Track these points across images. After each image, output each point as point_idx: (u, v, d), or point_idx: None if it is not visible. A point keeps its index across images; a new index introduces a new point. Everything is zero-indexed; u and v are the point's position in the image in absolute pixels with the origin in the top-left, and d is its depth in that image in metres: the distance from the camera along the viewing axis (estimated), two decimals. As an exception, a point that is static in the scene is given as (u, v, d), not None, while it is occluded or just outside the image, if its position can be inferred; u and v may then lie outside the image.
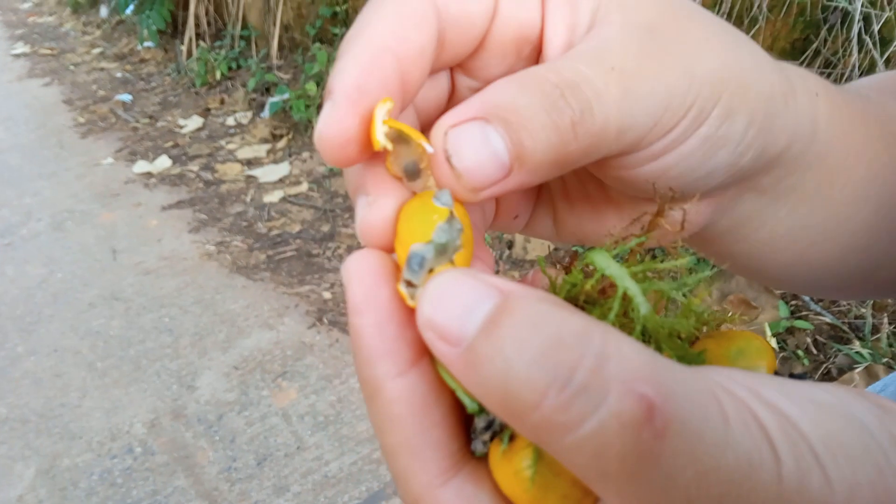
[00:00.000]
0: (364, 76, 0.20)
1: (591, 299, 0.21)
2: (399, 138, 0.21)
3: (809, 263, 0.33)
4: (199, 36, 4.24)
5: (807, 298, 1.84)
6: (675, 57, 0.23)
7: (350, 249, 2.62)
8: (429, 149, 0.20)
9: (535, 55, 0.24)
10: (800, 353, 1.75)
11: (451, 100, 0.25)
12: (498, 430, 0.20)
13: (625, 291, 0.20)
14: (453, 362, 0.18)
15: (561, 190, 0.29)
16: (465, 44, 0.23)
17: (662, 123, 0.22)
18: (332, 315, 2.28)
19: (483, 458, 0.20)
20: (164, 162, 3.37)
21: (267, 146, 3.40)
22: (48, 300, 2.44)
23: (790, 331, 1.81)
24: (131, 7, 4.44)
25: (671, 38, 0.23)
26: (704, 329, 0.22)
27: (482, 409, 0.20)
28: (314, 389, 2.00)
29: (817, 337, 1.79)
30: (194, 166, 3.33)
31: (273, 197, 3.01)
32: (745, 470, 0.15)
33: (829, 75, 1.89)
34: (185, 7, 4.25)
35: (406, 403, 0.19)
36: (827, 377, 1.68)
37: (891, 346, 1.69)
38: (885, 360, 1.65)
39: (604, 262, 0.20)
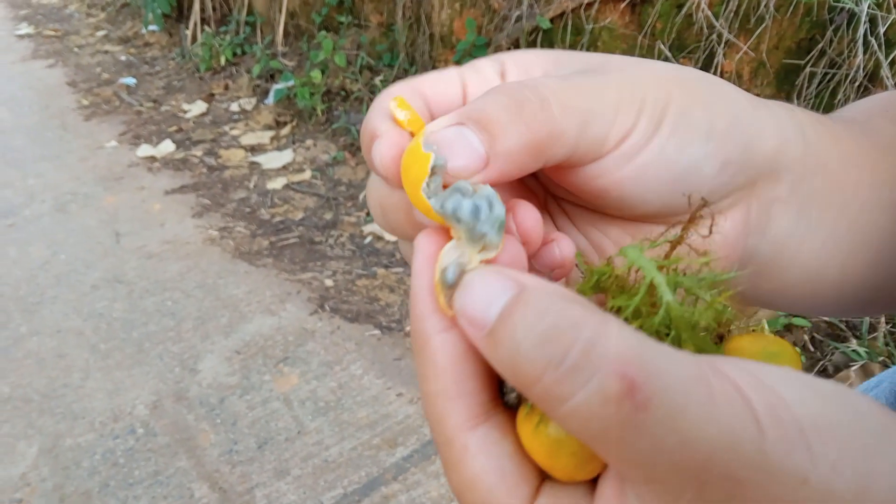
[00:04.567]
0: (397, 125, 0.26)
1: (620, 288, 0.23)
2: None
3: (853, 280, 0.35)
4: (204, 21, 4.24)
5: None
6: (620, 75, 0.27)
7: (353, 237, 2.64)
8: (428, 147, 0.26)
9: None
10: (797, 350, 1.77)
11: None
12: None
13: (651, 280, 0.22)
14: (478, 343, 0.21)
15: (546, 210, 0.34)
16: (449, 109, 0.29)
17: (618, 125, 0.26)
18: (334, 302, 2.30)
19: (510, 415, 0.23)
20: (167, 146, 3.37)
21: (270, 133, 3.40)
22: (51, 281, 2.45)
23: (788, 328, 1.83)
24: (137, -10, 4.43)
25: (616, 67, 0.28)
26: (727, 324, 0.24)
27: None
28: (315, 375, 2.02)
29: (815, 334, 1.81)
30: (198, 151, 3.34)
31: (276, 184, 3.02)
32: (727, 440, 0.18)
33: (833, 76, 1.90)
34: (191, -9, 4.24)
35: (447, 355, 0.23)
36: (823, 374, 1.69)
37: (887, 345, 1.71)
38: (881, 358, 1.67)
39: (634, 255, 0.22)
